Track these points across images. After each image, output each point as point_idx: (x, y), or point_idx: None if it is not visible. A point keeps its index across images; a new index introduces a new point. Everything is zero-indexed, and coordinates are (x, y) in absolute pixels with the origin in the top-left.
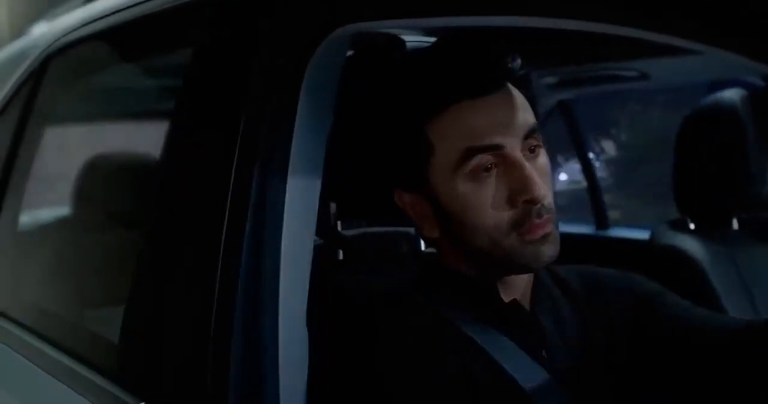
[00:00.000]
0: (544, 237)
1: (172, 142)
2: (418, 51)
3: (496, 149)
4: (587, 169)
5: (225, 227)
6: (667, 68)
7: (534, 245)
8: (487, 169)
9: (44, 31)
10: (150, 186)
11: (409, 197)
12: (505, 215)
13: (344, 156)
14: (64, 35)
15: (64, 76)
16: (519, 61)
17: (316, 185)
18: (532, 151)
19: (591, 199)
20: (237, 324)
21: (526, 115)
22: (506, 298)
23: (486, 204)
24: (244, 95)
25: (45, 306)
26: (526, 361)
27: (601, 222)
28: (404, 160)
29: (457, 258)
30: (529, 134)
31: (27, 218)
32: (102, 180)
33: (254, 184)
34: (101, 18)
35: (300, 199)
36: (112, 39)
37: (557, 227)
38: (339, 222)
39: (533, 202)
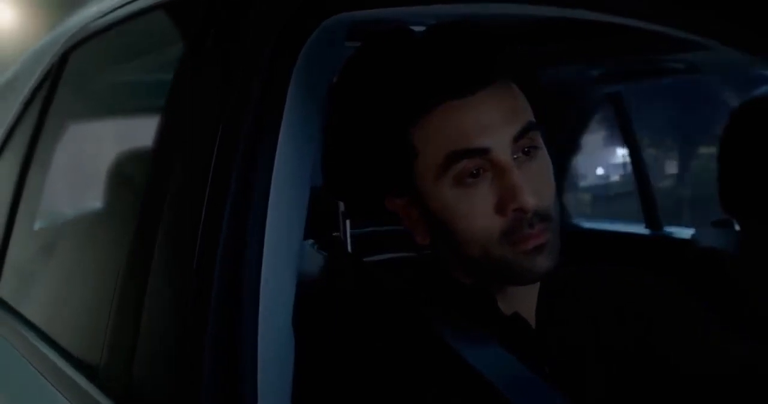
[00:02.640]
0: (539, 248)
1: (159, 138)
2: (401, 46)
3: (481, 153)
4: (638, 166)
5: (201, 227)
6: (718, 61)
7: (528, 256)
8: (474, 175)
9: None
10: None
11: (399, 202)
12: (495, 224)
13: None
14: (82, 28)
15: (82, 69)
16: (519, 53)
17: (304, 184)
18: (526, 152)
19: (641, 198)
20: (212, 328)
21: (519, 114)
22: (507, 310)
23: (474, 211)
24: (229, 91)
25: (56, 306)
26: (527, 378)
27: (653, 221)
28: (389, 165)
29: (452, 266)
30: (521, 135)
31: (45, 215)
32: (121, 178)
33: (233, 181)
34: (117, 8)
35: (286, 199)
36: (128, 30)
37: (557, 235)
38: (347, 222)
39: (522, 211)
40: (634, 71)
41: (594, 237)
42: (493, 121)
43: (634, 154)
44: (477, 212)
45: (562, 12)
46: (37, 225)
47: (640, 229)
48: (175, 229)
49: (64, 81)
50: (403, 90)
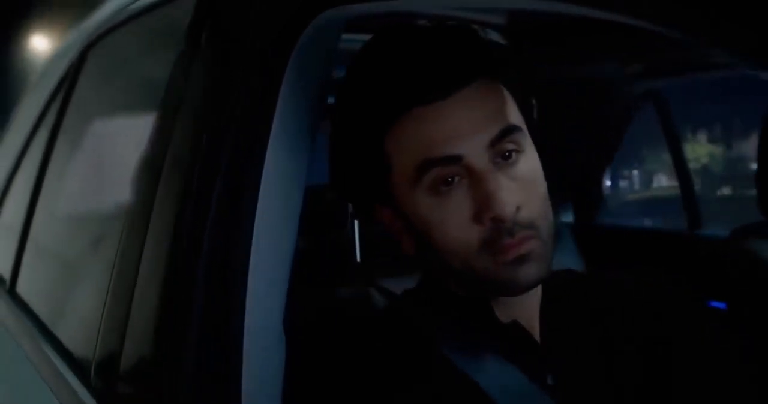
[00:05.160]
0: (521, 258)
1: (153, 137)
2: (382, 49)
3: (453, 161)
4: (680, 166)
5: (187, 224)
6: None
7: (509, 267)
8: (448, 183)
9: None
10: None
11: (385, 211)
12: (474, 233)
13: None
14: (99, 25)
15: (101, 66)
16: (505, 50)
17: (298, 183)
18: (507, 157)
19: (683, 198)
20: (194, 330)
21: (497, 117)
22: (505, 318)
23: (450, 221)
24: (220, 89)
25: (61, 306)
26: (528, 390)
27: (693, 221)
28: (367, 173)
29: (442, 276)
30: (499, 139)
31: (61, 211)
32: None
33: (220, 179)
34: (128, 6)
35: (278, 198)
36: (137, 27)
37: (546, 243)
38: (356, 222)
39: (499, 219)
40: (677, 67)
41: (631, 236)
42: (466, 127)
43: (676, 152)
44: (453, 221)
45: (558, 7)
46: (53, 222)
47: (678, 228)
48: (162, 227)
49: (82, 77)
50: (374, 96)
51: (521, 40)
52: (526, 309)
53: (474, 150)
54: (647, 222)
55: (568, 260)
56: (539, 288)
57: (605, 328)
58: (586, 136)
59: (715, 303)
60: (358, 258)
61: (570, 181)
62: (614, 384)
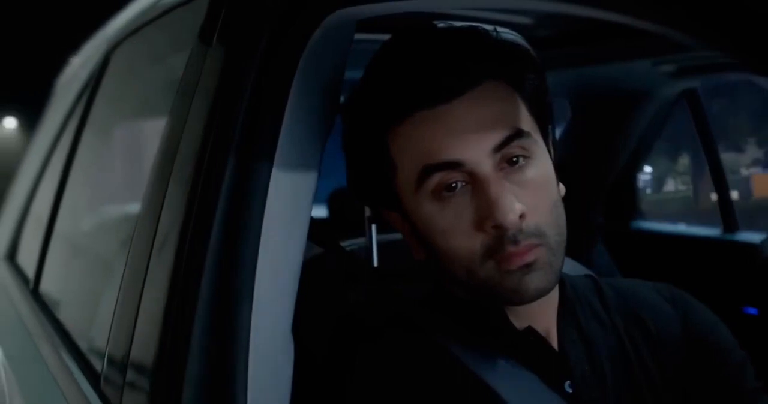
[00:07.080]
0: (526, 267)
1: (163, 141)
2: (386, 50)
3: (455, 167)
4: (715, 166)
5: (192, 227)
6: None
7: (513, 275)
8: (451, 188)
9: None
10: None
11: (393, 215)
12: (477, 241)
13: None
14: (122, 28)
15: (123, 68)
16: (515, 52)
17: (308, 186)
18: (514, 162)
19: (719, 200)
20: (198, 336)
21: (502, 122)
22: (520, 324)
23: (453, 227)
24: (229, 90)
25: (76, 309)
26: (546, 397)
27: (729, 224)
28: (373, 176)
29: (451, 282)
30: (505, 144)
31: (87, 212)
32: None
33: (227, 181)
34: (148, 9)
35: (286, 201)
36: (163, 27)
37: (555, 252)
38: (373, 226)
39: (501, 227)
40: (711, 66)
41: (665, 240)
42: (469, 131)
43: (711, 154)
44: (456, 228)
45: (558, 8)
46: (75, 223)
47: (711, 232)
48: (170, 229)
49: (106, 80)
50: (377, 97)
51: (547, 41)
52: (542, 315)
53: (477, 155)
54: (681, 226)
55: (600, 264)
56: (556, 293)
57: (624, 335)
58: (619, 138)
59: (748, 309)
60: (375, 263)
61: (602, 184)
62: (633, 392)
